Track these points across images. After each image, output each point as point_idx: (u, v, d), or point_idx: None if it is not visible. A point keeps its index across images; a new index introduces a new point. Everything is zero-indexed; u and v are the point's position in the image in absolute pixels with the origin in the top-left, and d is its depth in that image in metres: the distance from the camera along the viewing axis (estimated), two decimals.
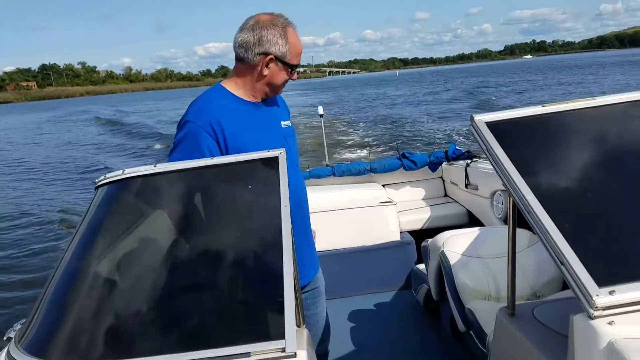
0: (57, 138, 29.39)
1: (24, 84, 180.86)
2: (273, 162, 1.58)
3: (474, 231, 2.84)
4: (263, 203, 1.55)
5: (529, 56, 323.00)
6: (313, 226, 2.22)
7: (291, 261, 1.27)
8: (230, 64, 2.04)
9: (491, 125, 1.68)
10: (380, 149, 15.46)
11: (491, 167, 1.62)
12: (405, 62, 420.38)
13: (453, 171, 4.81)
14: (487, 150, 1.63)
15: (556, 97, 28.66)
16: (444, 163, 4.87)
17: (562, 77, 49.65)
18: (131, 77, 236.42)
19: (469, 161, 4.58)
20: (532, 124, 1.71)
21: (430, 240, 3.00)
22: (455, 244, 2.73)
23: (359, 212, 4.18)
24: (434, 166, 4.86)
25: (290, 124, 2.11)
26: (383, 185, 4.85)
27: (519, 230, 1.47)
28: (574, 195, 1.53)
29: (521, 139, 1.67)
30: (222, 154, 1.82)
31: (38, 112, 66.26)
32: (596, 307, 1.20)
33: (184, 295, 1.36)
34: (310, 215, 2.19)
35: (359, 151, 15.39)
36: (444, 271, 2.69)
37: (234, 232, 1.53)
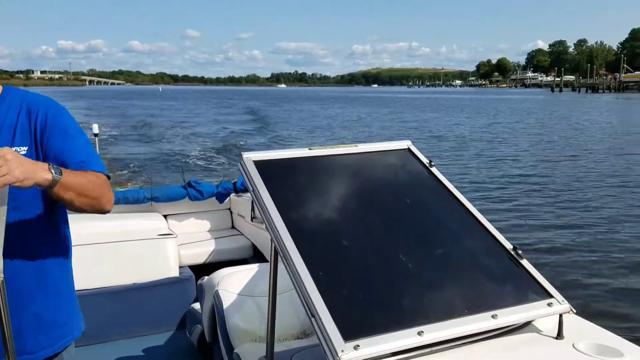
0: None
1: None
2: None
3: (252, 268, 2.72)
4: None
5: (283, 85, 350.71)
6: (75, 262, 1.79)
7: None
8: None
9: (259, 164, 1.68)
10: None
11: None
12: (175, 79, 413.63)
13: (241, 203, 4.66)
14: (252, 191, 1.62)
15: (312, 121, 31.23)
16: (232, 194, 4.67)
17: (318, 108, 54.62)
18: None
19: None
20: (299, 166, 1.74)
21: (206, 278, 2.82)
22: (230, 283, 2.59)
23: (132, 245, 3.77)
24: (221, 197, 4.61)
25: (19, 150, 1.54)
26: (165, 216, 4.43)
27: None
28: (331, 243, 1.53)
29: (287, 181, 1.68)
30: None
31: None
32: None
33: None
34: (72, 248, 1.76)
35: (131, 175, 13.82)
36: (216, 312, 2.55)
37: None
